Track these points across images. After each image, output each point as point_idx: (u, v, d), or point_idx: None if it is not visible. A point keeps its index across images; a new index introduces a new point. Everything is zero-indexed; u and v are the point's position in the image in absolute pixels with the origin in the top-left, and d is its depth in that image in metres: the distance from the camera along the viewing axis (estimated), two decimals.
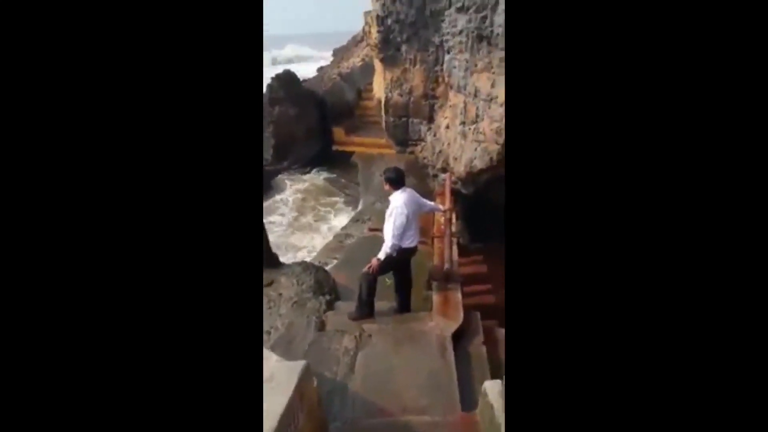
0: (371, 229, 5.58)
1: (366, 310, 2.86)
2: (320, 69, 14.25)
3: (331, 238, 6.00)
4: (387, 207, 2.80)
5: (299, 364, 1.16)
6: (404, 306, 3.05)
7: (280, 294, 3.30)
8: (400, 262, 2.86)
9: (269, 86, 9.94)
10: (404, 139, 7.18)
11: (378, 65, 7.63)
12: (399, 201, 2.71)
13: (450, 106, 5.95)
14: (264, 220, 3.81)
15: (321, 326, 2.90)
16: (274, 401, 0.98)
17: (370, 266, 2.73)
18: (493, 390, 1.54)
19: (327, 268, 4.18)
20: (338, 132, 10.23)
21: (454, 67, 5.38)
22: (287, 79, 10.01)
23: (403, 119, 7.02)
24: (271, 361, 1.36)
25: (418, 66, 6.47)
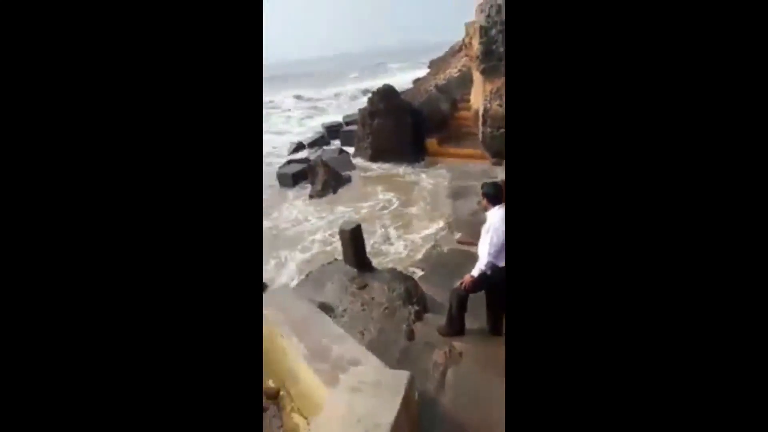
0: (460, 242, 5.47)
1: (456, 326, 2.83)
2: (416, 81, 14.58)
3: None
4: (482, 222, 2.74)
5: (404, 375, 1.19)
6: (496, 328, 2.91)
7: (373, 298, 3.48)
8: (495, 281, 2.75)
9: (369, 99, 10.58)
10: (500, 150, 6.90)
11: (477, 76, 7.50)
12: (496, 217, 2.62)
13: None
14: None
15: (410, 335, 2.97)
16: (384, 409, 1.03)
17: (463, 282, 2.69)
18: None
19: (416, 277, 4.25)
20: (431, 143, 10.32)
21: None
22: (386, 92, 10.52)
23: (501, 130, 6.76)
24: (370, 364, 1.42)
25: None
